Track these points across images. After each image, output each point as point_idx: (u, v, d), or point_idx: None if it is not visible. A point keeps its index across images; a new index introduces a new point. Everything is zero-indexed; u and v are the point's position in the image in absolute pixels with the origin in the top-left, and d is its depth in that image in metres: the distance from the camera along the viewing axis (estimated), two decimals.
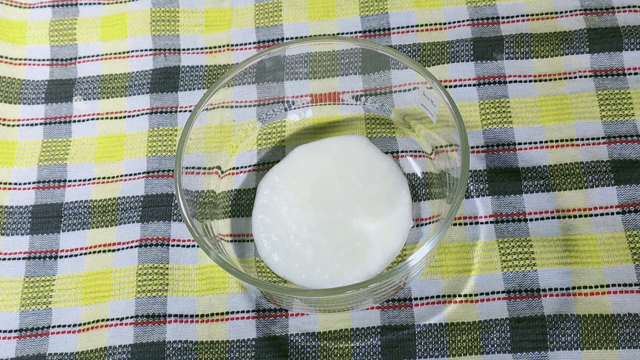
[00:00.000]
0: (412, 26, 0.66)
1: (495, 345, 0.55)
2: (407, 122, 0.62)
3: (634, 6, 0.65)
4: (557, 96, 0.62)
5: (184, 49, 0.67)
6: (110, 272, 0.59)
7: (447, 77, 0.64)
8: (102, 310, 0.58)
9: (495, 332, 0.55)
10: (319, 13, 0.68)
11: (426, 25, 0.66)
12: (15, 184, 0.63)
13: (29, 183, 0.63)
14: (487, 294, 0.56)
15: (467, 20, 0.66)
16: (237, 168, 0.62)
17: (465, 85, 0.64)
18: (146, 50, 0.67)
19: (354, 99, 0.63)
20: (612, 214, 0.58)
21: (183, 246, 0.60)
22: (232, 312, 0.57)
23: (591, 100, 0.62)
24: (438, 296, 0.57)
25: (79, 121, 0.65)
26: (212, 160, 0.60)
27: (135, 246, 0.60)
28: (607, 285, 0.56)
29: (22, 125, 0.66)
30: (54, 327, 0.58)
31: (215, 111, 0.59)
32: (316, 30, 0.67)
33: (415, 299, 0.57)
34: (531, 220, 0.58)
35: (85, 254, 0.60)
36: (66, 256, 0.60)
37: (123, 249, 0.60)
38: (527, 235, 0.58)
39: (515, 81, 0.63)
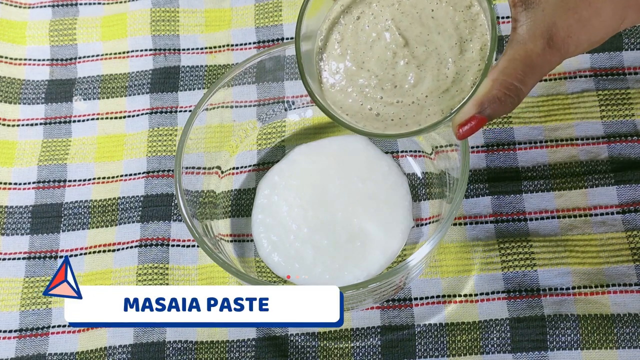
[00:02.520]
0: None
1: (495, 345, 0.55)
2: None
3: None
4: (557, 96, 0.62)
5: (184, 49, 0.67)
6: (110, 272, 0.59)
7: None
8: None
9: (495, 332, 0.55)
10: None
11: None
12: (15, 184, 0.63)
13: (29, 183, 0.63)
14: (487, 294, 0.56)
15: None
16: (237, 168, 0.62)
17: None
18: (146, 50, 0.67)
19: None
20: (612, 214, 0.58)
21: (183, 246, 0.60)
22: None
23: (591, 100, 0.62)
24: (438, 296, 0.57)
25: (79, 121, 0.65)
26: (212, 160, 0.60)
27: (135, 246, 0.60)
28: (607, 285, 0.56)
29: (22, 125, 0.66)
30: (54, 327, 0.58)
31: (215, 111, 0.59)
32: None
33: (415, 299, 0.57)
34: (531, 220, 0.58)
35: (85, 254, 0.60)
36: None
37: (123, 249, 0.60)
38: (527, 235, 0.58)
39: None
